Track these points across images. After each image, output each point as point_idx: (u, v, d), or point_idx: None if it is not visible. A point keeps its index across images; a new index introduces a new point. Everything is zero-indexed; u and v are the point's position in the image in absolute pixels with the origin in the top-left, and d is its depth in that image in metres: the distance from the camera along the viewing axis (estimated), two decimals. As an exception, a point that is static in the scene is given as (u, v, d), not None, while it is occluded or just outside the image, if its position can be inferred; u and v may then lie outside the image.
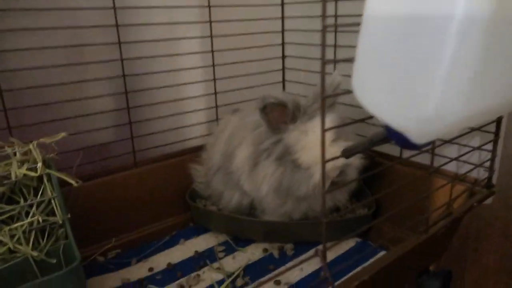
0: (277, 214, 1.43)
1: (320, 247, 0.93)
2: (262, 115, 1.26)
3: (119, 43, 1.47)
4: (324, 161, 0.87)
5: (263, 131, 1.33)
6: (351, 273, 1.00)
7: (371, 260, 1.38)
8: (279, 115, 1.26)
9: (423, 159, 1.48)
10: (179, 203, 1.69)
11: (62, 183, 1.12)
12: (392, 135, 0.71)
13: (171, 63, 1.67)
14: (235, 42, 1.79)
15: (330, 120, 1.26)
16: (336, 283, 0.90)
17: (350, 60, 0.70)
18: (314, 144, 1.22)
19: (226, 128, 1.62)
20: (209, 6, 1.68)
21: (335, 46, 1.73)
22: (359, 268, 1.01)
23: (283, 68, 2.02)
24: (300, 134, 1.25)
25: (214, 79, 1.77)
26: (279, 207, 1.38)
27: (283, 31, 1.96)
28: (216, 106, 1.81)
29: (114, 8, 1.42)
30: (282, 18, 1.94)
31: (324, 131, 0.78)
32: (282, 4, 1.92)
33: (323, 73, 0.74)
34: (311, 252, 1.46)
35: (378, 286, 1.05)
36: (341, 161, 1.24)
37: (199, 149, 1.76)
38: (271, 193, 1.32)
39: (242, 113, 1.58)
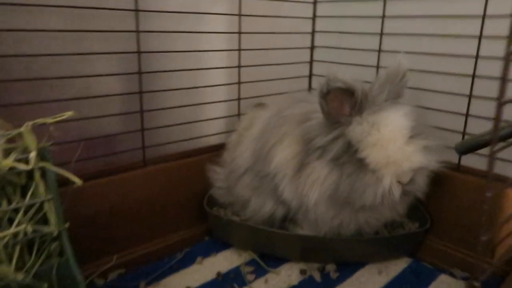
0: (326, 228, 1.16)
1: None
2: (323, 102, 1.00)
3: (137, 10, 1.19)
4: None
5: (315, 125, 1.07)
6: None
7: (433, 284, 1.19)
8: (342, 104, 1.01)
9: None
10: (194, 212, 1.42)
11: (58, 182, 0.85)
12: None
13: (193, 43, 1.40)
14: (262, 27, 1.55)
15: (405, 113, 1.01)
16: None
17: None
18: (387, 141, 0.98)
19: (255, 123, 1.37)
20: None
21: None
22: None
23: (311, 61, 1.77)
24: (370, 128, 0.99)
25: (239, 66, 1.51)
26: (331, 219, 1.12)
27: (314, 17, 1.72)
28: (239, 99, 1.54)
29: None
30: (314, 3, 1.71)
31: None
32: (316, -13, 1.69)
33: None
34: (361, 274, 1.21)
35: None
36: (417, 162, 1.00)
37: (218, 148, 1.49)
38: (324, 201, 1.06)
39: (274, 106, 1.32)
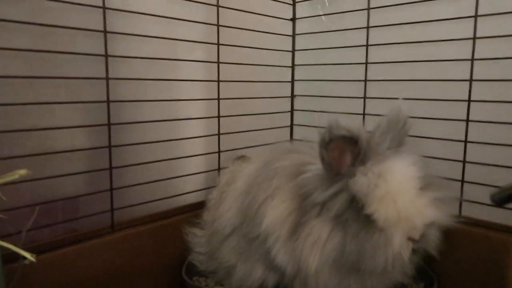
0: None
1: None
2: (323, 152, 0.88)
3: (106, 55, 1.07)
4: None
5: (312, 178, 0.95)
6: None
7: None
8: (344, 154, 0.90)
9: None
10: (172, 282, 1.22)
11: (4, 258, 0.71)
12: None
13: (167, 92, 1.28)
14: (242, 75, 1.47)
15: (413, 162, 0.91)
16: None
17: None
18: (396, 194, 0.86)
19: (238, 178, 1.23)
20: (218, 44, 1.35)
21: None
22: None
23: (292, 110, 1.69)
24: (377, 179, 0.87)
25: (219, 116, 1.39)
26: (331, 284, 0.96)
27: (293, 65, 1.67)
28: (219, 151, 1.41)
29: (104, 8, 1.04)
30: (293, 51, 1.66)
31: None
32: (293, 36, 1.65)
33: None
34: None
35: None
36: (430, 217, 0.89)
37: (197, 206, 1.33)
38: (327, 267, 0.91)
39: (260, 158, 1.20)
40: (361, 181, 0.88)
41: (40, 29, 0.99)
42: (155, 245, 1.21)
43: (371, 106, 1.46)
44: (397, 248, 0.87)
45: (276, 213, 0.98)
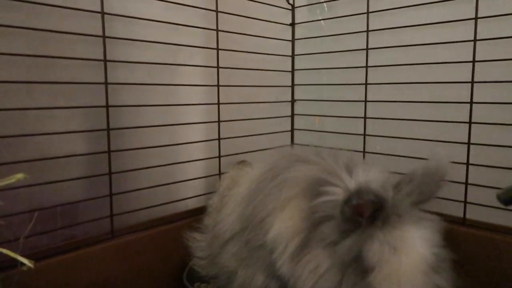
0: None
1: None
2: (347, 210, 0.86)
3: (105, 60, 1.06)
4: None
5: (329, 212, 0.92)
6: None
7: None
8: (365, 212, 0.88)
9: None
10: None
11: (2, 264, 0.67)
12: None
13: (168, 97, 1.28)
14: (242, 80, 1.47)
15: (431, 237, 0.89)
16: None
17: None
18: (402, 276, 0.84)
19: (239, 182, 1.22)
20: (217, 49, 1.35)
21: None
22: None
23: (292, 114, 1.69)
24: (389, 255, 0.85)
25: (219, 121, 1.38)
26: None
27: (293, 70, 1.67)
28: (220, 156, 1.40)
29: (102, 13, 1.04)
30: (293, 56, 1.66)
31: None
32: (293, 41, 1.65)
33: None
34: None
35: None
36: None
37: (198, 212, 1.32)
38: None
39: (263, 164, 1.18)
40: (375, 250, 0.85)
41: (38, 34, 0.98)
42: (156, 251, 1.20)
43: (372, 110, 1.46)
44: None
45: (284, 227, 0.96)
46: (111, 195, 1.11)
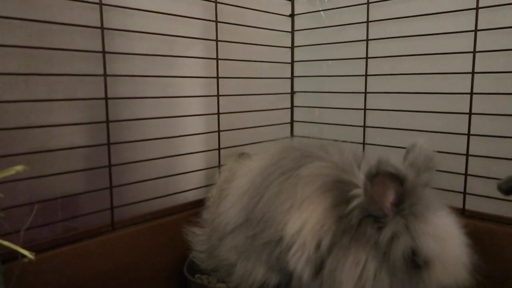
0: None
1: None
2: (368, 184, 0.87)
3: (103, 52, 1.06)
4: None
5: (356, 206, 0.92)
6: None
7: None
8: (387, 191, 0.89)
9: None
10: (173, 280, 1.21)
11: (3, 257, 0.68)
12: None
13: (166, 89, 1.27)
14: (241, 71, 1.46)
15: (454, 215, 0.94)
16: None
17: None
18: (458, 261, 0.90)
19: (239, 175, 1.22)
20: (216, 41, 1.34)
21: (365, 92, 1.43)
22: None
23: (292, 106, 1.68)
24: (443, 244, 0.89)
25: (218, 113, 1.38)
26: None
27: (292, 62, 1.66)
28: (219, 148, 1.40)
29: (101, 4, 1.03)
30: (292, 48, 1.65)
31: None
32: (292, 32, 1.64)
33: None
34: None
35: None
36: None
37: (198, 204, 1.32)
38: None
39: (265, 156, 1.17)
40: (429, 245, 0.88)
41: (36, 26, 0.97)
42: (156, 243, 1.20)
43: (372, 101, 1.45)
44: None
45: (305, 225, 0.95)
46: (111, 187, 1.11)
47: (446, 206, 0.95)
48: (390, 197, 0.89)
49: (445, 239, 0.89)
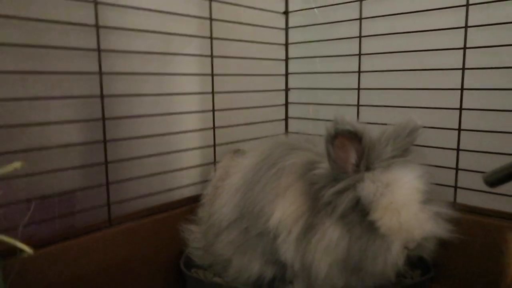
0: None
1: None
2: (330, 147, 0.89)
3: (99, 50, 1.07)
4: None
5: (321, 175, 0.95)
6: None
7: None
8: (349, 152, 0.91)
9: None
10: (170, 275, 1.23)
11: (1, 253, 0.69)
12: None
13: (162, 86, 1.28)
14: (236, 68, 1.48)
15: (419, 175, 0.93)
16: None
17: None
18: (401, 206, 0.88)
19: (232, 173, 1.24)
20: (211, 38, 1.36)
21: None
22: None
23: (286, 103, 1.70)
24: (384, 189, 0.89)
25: (213, 110, 1.39)
26: (338, 283, 0.97)
27: (287, 59, 1.67)
28: (215, 145, 1.42)
29: (95, 2, 1.04)
30: (286, 45, 1.66)
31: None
32: (286, 30, 1.65)
33: None
34: None
35: None
36: (429, 231, 0.92)
37: (194, 200, 1.33)
38: (335, 270, 0.92)
39: (256, 153, 1.19)
40: (368, 188, 0.90)
41: (31, 24, 0.98)
42: (153, 239, 1.21)
43: (365, 97, 1.47)
44: (395, 256, 0.90)
45: (287, 212, 0.98)
46: (107, 184, 1.12)
47: (415, 164, 0.95)
48: (352, 158, 0.92)
49: (388, 184, 0.90)
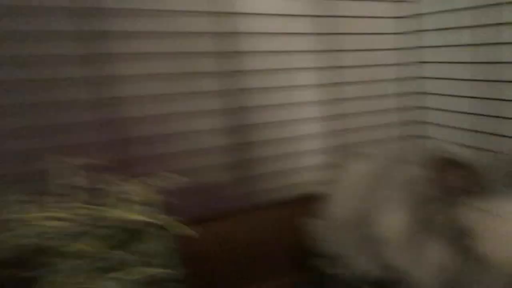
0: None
1: None
2: (433, 171, 0.96)
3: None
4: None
5: (423, 192, 1.01)
6: None
7: None
8: (456, 179, 0.95)
9: None
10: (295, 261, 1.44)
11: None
12: None
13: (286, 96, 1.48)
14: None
15: None
16: None
17: None
18: (504, 234, 0.89)
19: (350, 176, 1.35)
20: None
21: None
22: None
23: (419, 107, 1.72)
24: (493, 218, 0.90)
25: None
26: None
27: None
28: (340, 147, 1.55)
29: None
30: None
31: None
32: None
33: None
34: None
35: None
36: None
37: (315, 198, 1.48)
38: (435, 284, 1.00)
39: (371, 161, 1.29)
40: (477, 217, 0.91)
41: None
42: (284, 227, 1.44)
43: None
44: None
45: (390, 222, 1.08)
46: (251, 177, 1.39)
47: None
48: (458, 184, 0.94)
49: (491, 213, 0.90)
